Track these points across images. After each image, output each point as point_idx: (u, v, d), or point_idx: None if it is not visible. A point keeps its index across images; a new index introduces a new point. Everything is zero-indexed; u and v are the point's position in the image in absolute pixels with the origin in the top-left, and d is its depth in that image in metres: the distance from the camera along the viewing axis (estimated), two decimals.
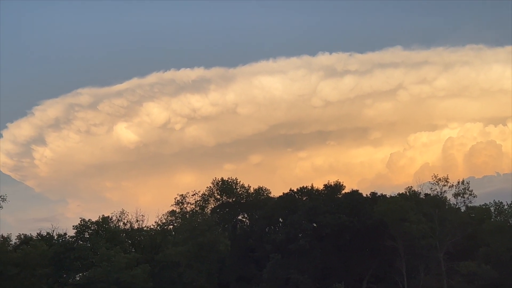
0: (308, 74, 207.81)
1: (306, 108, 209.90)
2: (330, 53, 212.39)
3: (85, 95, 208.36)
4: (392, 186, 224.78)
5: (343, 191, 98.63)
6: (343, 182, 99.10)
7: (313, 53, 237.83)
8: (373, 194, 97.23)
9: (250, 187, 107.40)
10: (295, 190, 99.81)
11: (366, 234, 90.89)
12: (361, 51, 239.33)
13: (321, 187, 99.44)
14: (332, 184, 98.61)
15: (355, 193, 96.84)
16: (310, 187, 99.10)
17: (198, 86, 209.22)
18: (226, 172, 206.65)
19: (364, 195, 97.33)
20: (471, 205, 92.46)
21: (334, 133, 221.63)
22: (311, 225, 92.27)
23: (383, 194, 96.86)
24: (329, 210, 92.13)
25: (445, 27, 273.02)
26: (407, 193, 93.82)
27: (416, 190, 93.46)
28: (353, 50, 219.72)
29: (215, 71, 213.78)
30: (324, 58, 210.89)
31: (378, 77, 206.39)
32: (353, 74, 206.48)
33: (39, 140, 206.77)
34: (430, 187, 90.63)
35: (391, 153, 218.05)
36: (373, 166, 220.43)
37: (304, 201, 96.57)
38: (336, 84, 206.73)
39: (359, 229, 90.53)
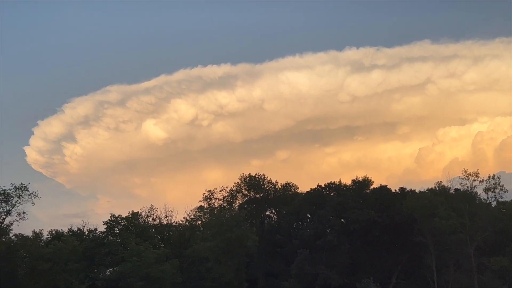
0: (335, 69, 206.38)
1: (333, 104, 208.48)
2: (357, 48, 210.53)
3: (113, 92, 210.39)
4: (421, 181, 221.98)
5: (372, 187, 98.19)
6: (371, 178, 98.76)
7: (340, 48, 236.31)
8: (402, 189, 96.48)
9: (277, 182, 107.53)
10: (323, 185, 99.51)
11: (395, 230, 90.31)
12: (389, 45, 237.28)
13: (349, 182, 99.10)
14: (360, 179, 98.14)
15: (383, 189, 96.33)
16: (338, 183, 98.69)
17: (224, 83, 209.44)
18: (253, 168, 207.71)
19: (393, 191, 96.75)
20: (502, 200, 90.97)
21: (362, 128, 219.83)
22: (339, 221, 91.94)
23: (412, 189, 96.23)
24: (358, 206, 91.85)
25: (475, 20, 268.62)
26: (437, 188, 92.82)
27: (445, 185, 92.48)
28: (381, 45, 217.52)
29: (241, 67, 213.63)
30: (351, 53, 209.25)
31: (406, 72, 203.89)
32: (380, 69, 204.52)
33: (69, 137, 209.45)
34: (460, 182, 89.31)
35: (420, 148, 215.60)
36: (401, 161, 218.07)
37: (332, 196, 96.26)
38: (364, 79, 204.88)
39: (388, 224, 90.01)
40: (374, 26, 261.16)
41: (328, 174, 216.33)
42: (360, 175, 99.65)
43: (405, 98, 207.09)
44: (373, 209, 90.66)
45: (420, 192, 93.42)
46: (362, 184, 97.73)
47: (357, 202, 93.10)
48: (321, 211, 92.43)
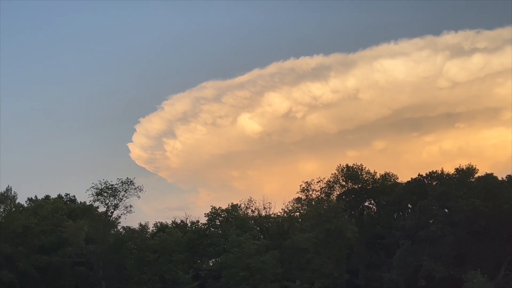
0: (432, 54, 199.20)
1: (431, 90, 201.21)
2: (456, 31, 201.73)
3: (209, 88, 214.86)
4: None
5: (476, 175, 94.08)
6: (475, 166, 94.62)
7: (437, 32, 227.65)
8: (510, 177, 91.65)
9: (376, 173, 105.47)
10: (424, 175, 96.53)
11: (503, 219, 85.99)
12: (490, 27, 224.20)
13: (451, 171, 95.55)
14: (464, 167, 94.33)
15: (489, 177, 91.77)
16: (440, 172, 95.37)
17: (318, 74, 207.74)
18: (349, 158, 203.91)
19: (499, 179, 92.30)
20: None
21: (463, 115, 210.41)
22: (442, 211, 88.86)
23: None
24: (462, 195, 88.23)
25: None
26: None
27: None
28: (481, 27, 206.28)
29: (334, 58, 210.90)
30: (449, 37, 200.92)
31: (509, 54, 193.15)
32: (482, 52, 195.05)
33: (170, 133, 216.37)
34: None
35: None
36: (506, 148, 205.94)
37: (434, 186, 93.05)
38: (464, 63, 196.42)
39: (494, 214, 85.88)
40: (472, 7, 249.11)
41: (428, 163, 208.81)
42: (462, 163, 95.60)
43: (509, 81, 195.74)
44: (478, 198, 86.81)
45: None
46: (466, 173, 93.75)
47: (461, 192, 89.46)
48: (423, 201, 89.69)
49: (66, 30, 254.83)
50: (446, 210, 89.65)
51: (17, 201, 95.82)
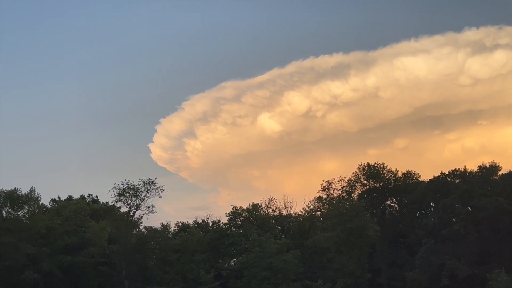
0: (454, 51, 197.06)
1: (453, 88, 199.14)
2: (477, 28, 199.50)
3: (229, 88, 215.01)
4: None
5: (500, 173, 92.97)
6: (499, 163, 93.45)
7: (458, 29, 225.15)
8: None
9: (398, 171, 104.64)
10: (447, 173, 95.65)
11: None
12: None
13: (473, 169, 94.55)
14: (487, 165, 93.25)
15: None
16: (463, 169, 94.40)
17: (337, 72, 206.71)
18: (370, 157, 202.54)
19: None
20: None
21: (486, 112, 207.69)
22: (465, 209, 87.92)
23: None
24: (485, 193, 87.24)
25: None
26: None
27: None
28: (503, 23, 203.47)
29: (354, 56, 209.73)
30: (470, 34, 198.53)
31: None
32: (504, 48, 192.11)
33: (190, 133, 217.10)
34: None
35: None
36: None
37: (457, 184, 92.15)
38: (486, 60, 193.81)
39: None
40: (494, 3, 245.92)
41: (450, 161, 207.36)
42: (485, 161, 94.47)
43: None
44: (502, 196, 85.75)
45: None
46: (489, 170, 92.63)
47: (485, 189, 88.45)
48: (445, 199, 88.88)
49: (83, 30, 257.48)
50: (470, 208, 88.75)
51: (40, 202, 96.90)
